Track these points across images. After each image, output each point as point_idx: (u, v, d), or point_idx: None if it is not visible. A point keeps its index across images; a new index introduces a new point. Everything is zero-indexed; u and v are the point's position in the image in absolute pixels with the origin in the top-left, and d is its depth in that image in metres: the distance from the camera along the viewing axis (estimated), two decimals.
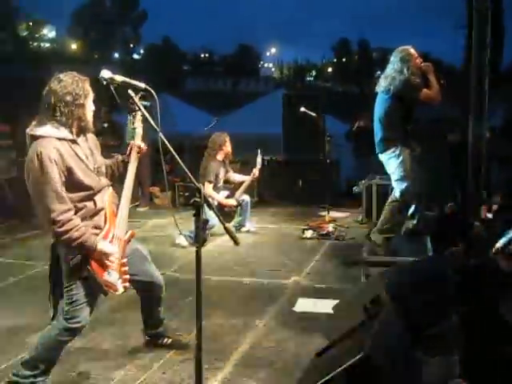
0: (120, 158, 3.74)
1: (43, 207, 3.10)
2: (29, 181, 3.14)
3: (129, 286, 3.49)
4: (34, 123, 3.22)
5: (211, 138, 7.68)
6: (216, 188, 7.54)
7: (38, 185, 3.09)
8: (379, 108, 5.88)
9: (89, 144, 3.44)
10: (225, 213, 7.45)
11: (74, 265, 3.22)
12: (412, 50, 5.75)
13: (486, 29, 8.12)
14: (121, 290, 3.39)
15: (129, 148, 3.69)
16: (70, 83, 3.19)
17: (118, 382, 3.58)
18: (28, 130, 3.21)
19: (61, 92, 3.17)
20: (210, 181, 7.32)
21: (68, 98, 3.17)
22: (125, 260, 3.46)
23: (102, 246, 3.26)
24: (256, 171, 7.83)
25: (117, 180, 3.70)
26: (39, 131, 3.17)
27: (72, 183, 3.20)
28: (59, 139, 3.17)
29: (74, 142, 3.27)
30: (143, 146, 3.69)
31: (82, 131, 3.35)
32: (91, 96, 3.31)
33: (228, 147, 7.59)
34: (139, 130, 3.72)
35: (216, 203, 7.34)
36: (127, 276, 3.46)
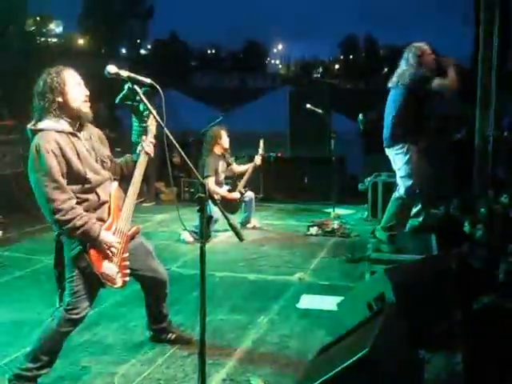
0: (130, 157, 3.76)
1: (45, 197, 3.13)
2: (30, 174, 3.18)
3: (128, 280, 3.49)
4: (34, 119, 3.27)
5: (207, 133, 7.68)
6: (218, 183, 7.52)
7: (38, 176, 3.12)
8: (391, 103, 5.86)
9: (92, 137, 3.46)
10: (230, 205, 7.43)
11: (74, 255, 3.25)
12: (425, 47, 5.72)
13: (494, 25, 8.11)
14: (119, 284, 3.39)
15: (140, 146, 3.71)
16: (56, 76, 3.25)
17: (122, 377, 3.59)
18: (28, 126, 3.26)
19: (41, 86, 3.24)
20: (209, 175, 7.30)
21: (58, 91, 3.23)
22: (126, 255, 3.47)
23: (104, 235, 3.27)
24: (258, 159, 7.82)
25: (125, 178, 3.71)
26: (39, 125, 3.23)
27: (72, 175, 3.23)
28: (58, 132, 3.22)
29: (73, 134, 3.30)
30: (154, 141, 3.71)
31: (81, 121, 3.37)
32: (73, 83, 3.31)
33: (224, 141, 7.54)
34: (152, 128, 3.74)
35: (220, 198, 7.33)
36: (127, 271, 3.46)
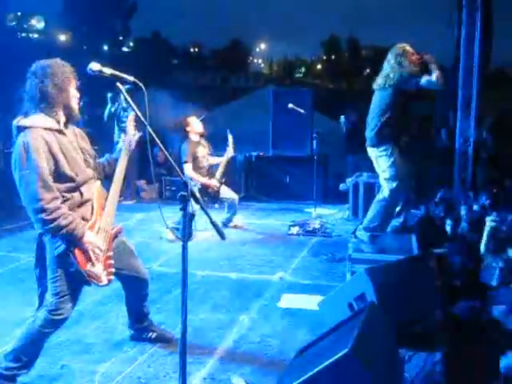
0: (111, 156, 3.74)
1: (31, 196, 3.09)
2: (15, 171, 3.12)
3: (113, 278, 3.48)
4: (20, 115, 3.21)
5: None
6: (200, 169, 7.47)
7: (25, 174, 3.08)
8: (378, 104, 5.87)
9: (76, 135, 3.43)
10: (208, 193, 7.41)
11: (58, 254, 3.22)
12: (408, 47, 5.75)
13: (476, 26, 8.19)
14: (105, 281, 3.38)
15: (120, 143, 3.69)
16: (51, 70, 3.19)
17: (103, 376, 3.58)
18: (14, 122, 3.20)
19: (43, 79, 3.17)
20: (186, 161, 7.26)
21: (50, 84, 3.17)
22: (111, 253, 3.46)
23: (88, 236, 3.25)
24: (230, 150, 7.81)
25: (108, 177, 3.69)
26: (25, 122, 3.17)
27: (58, 173, 3.20)
28: (45, 129, 3.17)
29: (60, 132, 3.26)
30: (136, 137, 3.70)
31: (68, 120, 3.34)
32: (74, 82, 3.30)
33: (195, 127, 7.50)
34: (130, 126, 3.72)
35: (199, 184, 7.30)
36: (112, 269, 3.45)
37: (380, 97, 5.85)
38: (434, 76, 5.51)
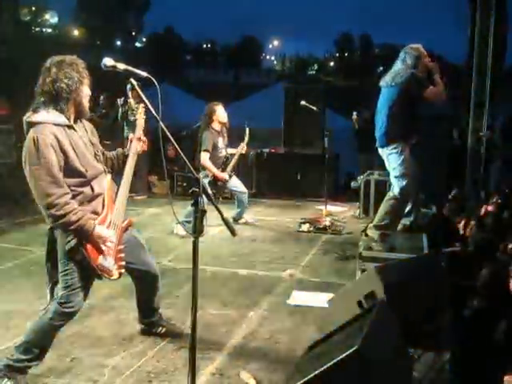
0: (120, 150, 3.76)
1: (41, 191, 3.11)
2: (26, 166, 3.15)
3: (123, 272, 3.50)
4: (31, 110, 3.23)
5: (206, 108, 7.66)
6: (217, 159, 7.46)
7: (35, 170, 3.10)
8: (385, 102, 5.86)
9: (87, 130, 3.45)
10: (217, 187, 7.44)
11: (70, 248, 3.23)
12: (422, 49, 5.75)
13: (489, 25, 8.13)
14: (115, 275, 3.40)
15: (129, 141, 3.72)
16: (66, 68, 3.19)
17: (112, 369, 3.60)
18: (25, 118, 3.22)
19: (57, 77, 3.17)
20: (207, 150, 7.23)
21: (64, 82, 3.17)
22: (121, 247, 3.48)
23: (99, 230, 3.27)
24: (244, 144, 7.82)
25: (116, 172, 3.71)
26: (36, 118, 3.18)
27: (69, 168, 3.22)
28: (56, 125, 3.19)
29: (70, 127, 3.28)
30: (143, 138, 3.72)
31: (78, 116, 3.36)
32: (87, 81, 3.31)
33: (220, 115, 7.47)
34: (140, 122, 3.75)
35: (210, 176, 7.32)
36: (123, 262, 3.48)
37: (387, 95, 5.85)
38: (439, 88, 5.54)
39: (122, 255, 3.48)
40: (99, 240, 3.27)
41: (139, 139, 3.71)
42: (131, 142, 3.71)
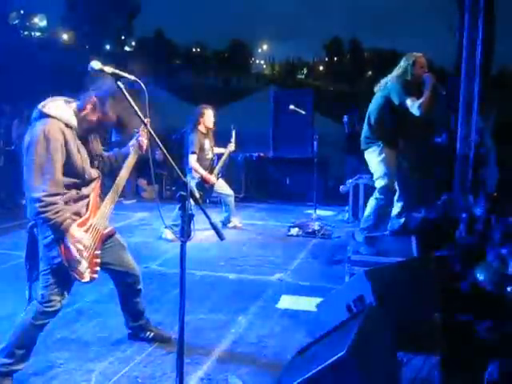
0: (120, 151, 3.76)
1: (32, 184, 3.11)
2: (29, 153, 3.13)
3: (96, 277, 3.45)
4: (48, 100, 3.24)
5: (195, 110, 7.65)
6: (204, 160, 7.46)
7: (37, 160, 3.10)
8: (372, 107, 5.87)
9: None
10: (205, 189, 7.41)
11: (46, 244, 3.24)
12: (420, 58, 5.68)
13: (478, 29, 8.17)
14: (87, 279, 3.36)
15: (131, 142, 3.73)
16: (113, 100, 3.24)
17: (99, 375, 3.57)
18: (40, 106, 3.22)
19: (103, 101, 3.25)
20: (194, 152, 7.27)
21: (105, 105, 3.26)
22: (98, 252, 3.46)
23: (74, 231, 3.24)
24: (232, 145, 7.82)
25: (107, 174, 3.70)
26: (51, 110, 3.20)
27: (68, 169, 3.24)
28: (67, 125, 3.22)
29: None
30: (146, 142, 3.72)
31: (89, 132, 3.41)
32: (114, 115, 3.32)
33: (207, 120, 7.47)
34: (143, 137, 3.74)
35: (198, 178, 7.31)
36: (97, 268, 3.45)
37: (375, 98, 5.85)
38: (421, 101, 5.43)
39: (98, 260, 3.46)
40: (72, 240, 3.24)
41: (139, 145, 3.71)
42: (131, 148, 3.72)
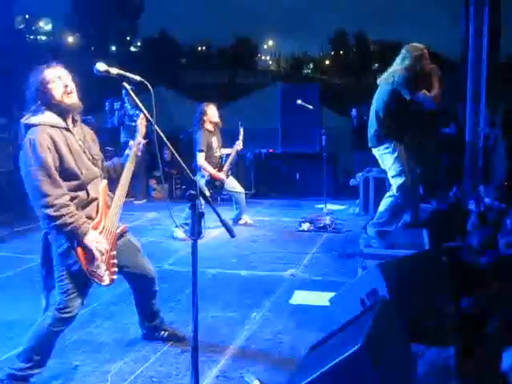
0: (117, 160, 3.77)
1: (38, 191, 3.11)
2: (23, 168, 3.16)
3: (115, 278, 3.46)
4: (28, 114, 3.26)
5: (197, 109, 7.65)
6: (212, 159, 7.44)
7: (31, 170, 3.11)
8: (378, 100, 5.80)
9: (85, 135, 3.46)
10: (215, 187, 7.42)
11: (62, 252, 3.24)
12: (423, 50, 5.63)
13: (484, 20, 8.12)
14: (107, 281, 3.37)
15: (128, 149, 3.72)
16: (32, 75, 3.29)
17: (115, 375, 3.58)
18: (22, 120, 3.26)
19: (29, 84, 3.29)
20: (201, 150, 7.25)
21: (32, 87, 3.27)
22: (114, 253, 3.46)
23: (92, 235, 3.25)
24: (239, 143, 7.81)
25: (112, 181, 3.70)
26: (33, 120, 3.22)
27: (64, 170, 3.23)
28: (52, 126, 3.22)
29: (67, 129, 3.31)
30: (143, 141, 3.73)
31: (68, 113, 3.35)
32: (52, 78, 3.29)
33: (211, 115, 7.45)
34: (142, 128, 3.75)
35: (207, 176, 7.31)
36: (115, 269, 3.45)
37: (380, 93, 5.77)
38: (433, 93, 5.42)
39: (115, 261, 3.46)
40: (91, 244, 3.25)
41: (139, 144, 3.72)
42: (130, 148, 3.71)
